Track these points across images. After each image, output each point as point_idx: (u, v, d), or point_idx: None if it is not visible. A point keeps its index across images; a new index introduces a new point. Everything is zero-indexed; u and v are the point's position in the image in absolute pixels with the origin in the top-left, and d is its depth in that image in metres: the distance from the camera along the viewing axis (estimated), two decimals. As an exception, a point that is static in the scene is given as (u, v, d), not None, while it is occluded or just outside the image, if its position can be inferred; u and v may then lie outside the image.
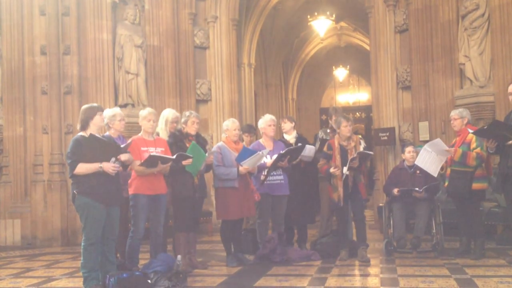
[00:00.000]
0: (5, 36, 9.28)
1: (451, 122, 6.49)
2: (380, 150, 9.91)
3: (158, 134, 5.91)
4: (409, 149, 6.81)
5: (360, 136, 6.68)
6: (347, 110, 18.67)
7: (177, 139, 5.89)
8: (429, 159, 6.22)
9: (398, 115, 9.64)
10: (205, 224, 9.24)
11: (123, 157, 4.99)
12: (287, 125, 6.92)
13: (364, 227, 6.41)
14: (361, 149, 6.24)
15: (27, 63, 9.11)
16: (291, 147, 6.46)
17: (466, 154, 6.09)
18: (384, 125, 9.72)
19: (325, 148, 6.35)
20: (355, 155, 6.07)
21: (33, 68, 9.07)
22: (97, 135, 4.90)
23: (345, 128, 6.21)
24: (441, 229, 6.45)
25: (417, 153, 6.41)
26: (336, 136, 6.32)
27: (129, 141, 5.39)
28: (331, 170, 6.14)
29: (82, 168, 4.76)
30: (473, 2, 8.29)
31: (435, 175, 6.33)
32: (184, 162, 5.64)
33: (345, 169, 6.10)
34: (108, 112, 5.76)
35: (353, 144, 6.22)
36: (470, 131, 6.16)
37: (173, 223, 6.07)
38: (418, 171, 6.57)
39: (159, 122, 6.07)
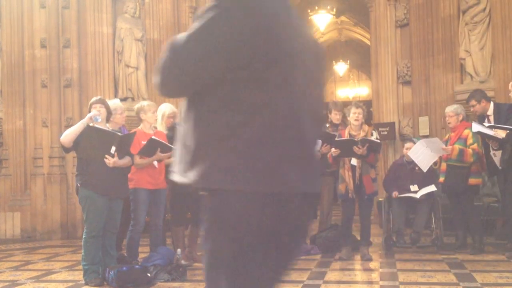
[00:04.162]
0: (5, 29, 9.24)
1: (446, 119, 6.50)
2: (380, 145, 9.90)
3: (155, 128, 5.89)
4: (407, 145, 6.79)
5: (373, 127, 6.54)
6: (347, 105, 18.61)
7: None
8: (422, 154, 6.22)
9: (398, 110, 9.63)
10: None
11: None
12: None
13: (369, 225, 6.12)
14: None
15: (27, 56, 9.08)
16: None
17: (463, 151, 6.09)
18: (384, 120, 9.71)
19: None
20: (358, 139, 5.77)
21: (33, 61, 9.03)
22: (96, 126, 4.90)
23: (353, 115, 5.94)
24: (440, 224, 6.46)
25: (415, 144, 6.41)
26: (348, 126, 6.11)
27: (133, 131, 5.36)
28: (332, 150, 5.84)
29: (67, 134, 4.83)
30: (474, -4, 8.28)
31: (425, 170, 6.31)
32: None
33: (353, 160, 5.87)
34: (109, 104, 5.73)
35: (363, 134, 5.89)
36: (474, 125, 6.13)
37: (170, 217, 6.06)
38: (417, 168, 6.56)
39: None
